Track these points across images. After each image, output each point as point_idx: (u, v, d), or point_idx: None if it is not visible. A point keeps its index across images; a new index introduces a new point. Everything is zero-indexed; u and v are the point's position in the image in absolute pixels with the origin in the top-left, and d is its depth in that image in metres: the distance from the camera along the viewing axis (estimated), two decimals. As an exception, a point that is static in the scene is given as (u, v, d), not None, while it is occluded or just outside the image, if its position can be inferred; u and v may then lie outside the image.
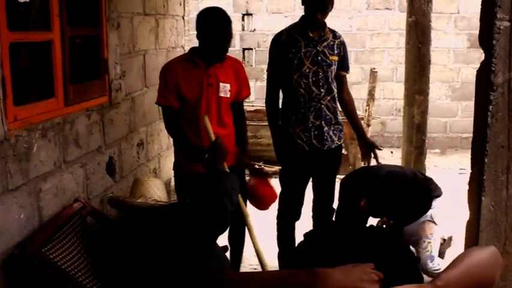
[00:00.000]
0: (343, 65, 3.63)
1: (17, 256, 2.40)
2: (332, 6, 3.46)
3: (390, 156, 7.82)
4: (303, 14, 3.50)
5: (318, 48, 3.47)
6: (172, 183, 4.14)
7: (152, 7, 4.25)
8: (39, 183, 2.65)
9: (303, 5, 3.46)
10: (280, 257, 3.77)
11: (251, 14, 8.25)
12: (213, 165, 2.88)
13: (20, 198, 2.48)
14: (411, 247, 3.60)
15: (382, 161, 7.62)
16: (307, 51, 3.44)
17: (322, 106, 3.50)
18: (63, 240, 2.62)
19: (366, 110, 6.71)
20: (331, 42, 3.52)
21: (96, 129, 3.26)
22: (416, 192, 3.42)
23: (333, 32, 3.59)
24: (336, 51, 3.52)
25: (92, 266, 2.58)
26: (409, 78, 4.72)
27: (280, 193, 3.66)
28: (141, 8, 4.02)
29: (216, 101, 3.24)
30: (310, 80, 3.45)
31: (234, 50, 7.94)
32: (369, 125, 6.72)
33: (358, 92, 8.24)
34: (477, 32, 2.51)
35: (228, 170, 2.99)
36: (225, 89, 3.25)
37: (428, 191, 3.53)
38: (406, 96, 4.76)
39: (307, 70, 3.44)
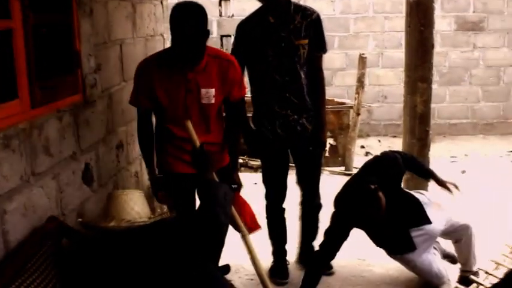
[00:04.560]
0: (317, 44, 3.38)
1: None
2: None
3: (378, 146, 7.52)
4: None
5: (282, 33, 3.23)
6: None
7: (128, -10, 3.76)
8: (3, 204, 2.19)
9: None
10: (271, 238, 3.74)
11: (229, -1, 7.79)
12: (202, 176, 2.55)
13: (-22, 225, 2.02)
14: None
15: (371, 150, 7.39)
16: (269, 39, 3.23)
17: (288, 95, 3.33)
18: (36, 272, 2.19)
19: (356, 98, 6.35)
20: (298, 25, 3.27)
21: (69, 133, 2.80)
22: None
23: (302, 11, 3.32)
24: (303, 33, 3.28)
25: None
26: (410, 64, 4.35)
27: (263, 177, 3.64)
28: (115, -9, 3.53)
29: (198, 108, 2.88)
30: (274, 68, 3.27)
31: (212, 37, 7.46)
32: (358, 114, 6.37)
33: (342, 79, 7.92)
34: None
35: (216, 179, 2.66)
36: (208, 95, 2.88)
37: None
38: (407, 83, 4.39)
39: (270, 58, 3.26)
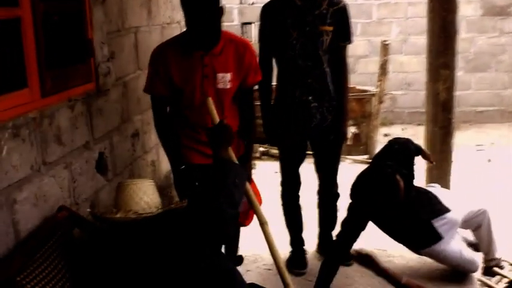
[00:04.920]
0: (342, 34, 3.34)
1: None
2: None
3: (401, 134, 7.39)
4: None
5: (307, 18, 3.19)
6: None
7: (143, -23, 3.72)
8: (13, 193, 2.17)
9: None
10: (288, 226, 3.72)
11: (250, -14, 7.70)
12: (216, 154, 2.43)
13: (-13, 215, 2.01)
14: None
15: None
16: (294, 21, 3.19)
17: (310, 81, 3.29)
18: (45, 262, 2.17)
19: (378, 86, 6.24)
20: (324, 11, 3.22)
21: (82, 122, 2.77)
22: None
23: None
24: (328, 21, 3.23)
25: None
26: (432, 50, 4.22)
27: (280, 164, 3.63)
28: (129, -22, 3.49)
29: (215, 93, 2.84)
30: (297, 52, 3.24)
31: (233, 25, 7.43)
32: (381, 102, 6.26)
33: (365, 66, 7.79)
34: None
35: (234, 159, 2.56)
36: (224, 80, 2.86)
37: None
38: (430, 70, 4.26)
39: (294, 42, 3.22)
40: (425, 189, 3.47)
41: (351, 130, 6.46)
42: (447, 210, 3.29)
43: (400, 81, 7.84)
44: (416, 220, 3.26)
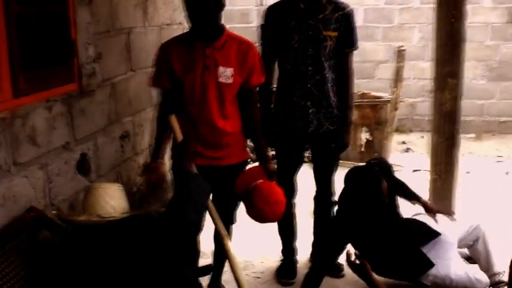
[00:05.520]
0: (347, 40, 3.28)
1: None
2: None
3: (420, 142, 7.23)
4: None
5: (310, 21, 3.14)
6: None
7: (139, -25, 3.71)
8: (-22, 193, 2.18)
9: None
10: (280, 234, 3.67)
11: (269, -13, 7.66)
12: (181, 167, 2.44)
13: None
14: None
15: (412, 146, 7.13)
16: (297, 25, 3.15)
17: (309, 86, 3.23)
18: (5, 262, 2.16)
19: (393, 92, 6.11)
20: (329, 16, 3.17)
21: (62, 123, 2.77)
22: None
23: (335, 3, 3.23)
24: (333, 26, 3.18)
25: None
26: (438, 58, 4.06)
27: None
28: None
29: (216, 87, 2.84)
30: (298, 56, 3.20)
31: (251, 26, 7.37)
32: (396, 109, 6.13)
33: (385, 72, 7.63)
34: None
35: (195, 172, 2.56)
36: (226, 74, 2.85)
37: None
38: (436, 79, 4.11)
39: (296, 45, 3.17)
40: (412, 218, 3.37)
41: (364, 137, 6.37)
42: (437, 234, 3.18)
43: (421, 88, 7.65)
44: (407, 248, 3.16)
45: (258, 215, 2.87)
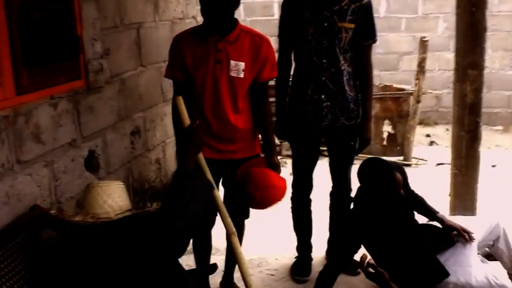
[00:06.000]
0: (365, 32, 3.20)
1: None
2: None
3: (445, 134, 7.06)
4: None
5: (326, 13, 3.07)
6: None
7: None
8: (-20, 192, 2.16)
9: None
10: (296, 230, 3.62)
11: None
12: (184, 157, 2.27)
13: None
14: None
15: (436, 139, 6.97)
16: (311, 17, 3.08)
17: (324, 79, 3.16)
18: (5, 261, 2.14)
19: (416, 84, 5.96)
20: (345, 7, 3.09)
21: (68, 120, 2.75)
22: None
23: None
24: (349, 17, 3.10)
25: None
26: (459, 49, 3.95)
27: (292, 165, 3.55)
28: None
29: (227, 81, 2.80)
30: (313, 48, 3.14)
31: (272, 19, 7.28)
32: (418, 101, 5.98)
33: (409, 64, 7.48)
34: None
35: (205, 166, 2.49)
36: (237, 68, 2.80)
37: None
38: (457, 70, 3.99)
39: (310, 37, 3.11)
40: (428, 224, 3.23)
41: (387, 130, 6.24)
42: (451, 243, 3.06)
43: (446, 80, 7.45)
44: (421, 254, 3.05)
45: (251, 200, 2.83)
